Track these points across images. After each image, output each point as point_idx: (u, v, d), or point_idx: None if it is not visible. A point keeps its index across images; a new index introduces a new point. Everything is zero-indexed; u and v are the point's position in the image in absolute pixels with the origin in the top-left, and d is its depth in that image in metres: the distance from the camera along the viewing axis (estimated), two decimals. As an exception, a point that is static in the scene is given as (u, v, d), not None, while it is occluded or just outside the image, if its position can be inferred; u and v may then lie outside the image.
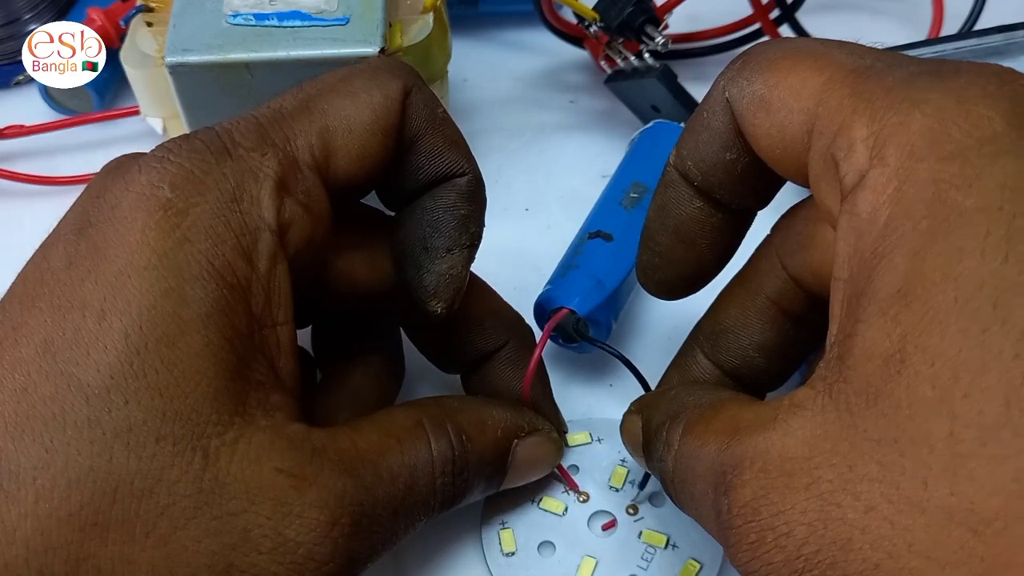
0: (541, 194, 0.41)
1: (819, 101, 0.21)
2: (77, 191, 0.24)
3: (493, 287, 0.31)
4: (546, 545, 0.30)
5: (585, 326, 0.32)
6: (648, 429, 0.26)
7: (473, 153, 0.28)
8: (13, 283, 0.23)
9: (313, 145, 0.24)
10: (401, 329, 0.31)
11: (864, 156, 0.20)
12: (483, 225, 0.28)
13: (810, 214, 0.25)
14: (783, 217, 0.27)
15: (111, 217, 0.22)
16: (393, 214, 0.28)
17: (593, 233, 0.35)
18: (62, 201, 0.24)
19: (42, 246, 0.23)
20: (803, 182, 0.23)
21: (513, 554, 0.30)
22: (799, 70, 0.22)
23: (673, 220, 0.26)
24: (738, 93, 0.23)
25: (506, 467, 0.28)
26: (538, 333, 0.32)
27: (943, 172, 0.19)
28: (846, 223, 0.20)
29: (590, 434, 0.32)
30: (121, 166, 0.24)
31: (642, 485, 0.31)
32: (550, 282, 0.34)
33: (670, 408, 0.26)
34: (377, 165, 0.25)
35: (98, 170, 0.24)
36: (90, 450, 0.20)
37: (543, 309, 0.33)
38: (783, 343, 0.27)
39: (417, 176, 0.26)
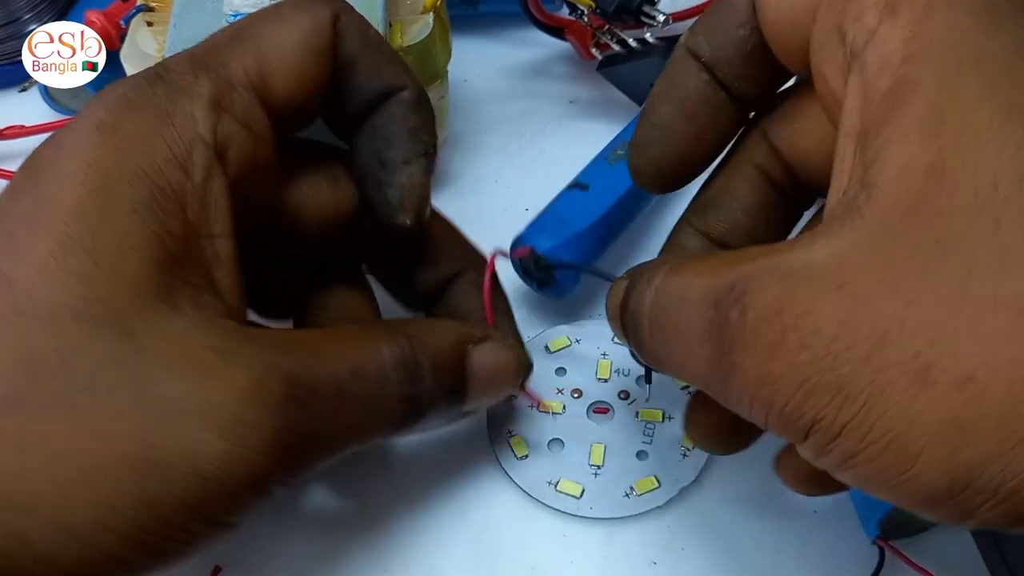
0: (541, 194, 0.41)
1: None
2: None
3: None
4: (555, 442, 0.33)
5: (544, 261, 0.33)
6: (632, 282, 0.26)
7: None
8: None
9: (247, 67, 0.25)
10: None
11: (874, 18, 0.20)
12: (436, 136, 0.28)
13: (797, 94, 0.26)
14: (769, 99, 0.27)
15: (53, 151, 0.23)
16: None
17: (571, 184, 0.36)
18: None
19: None
20: (798, 65, 0.24)
21: (527, 456, 0.33)
22: None
23: (678, 90, 0.26)
24: None
25: (466, 377, 0.28)
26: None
27: (962, 21, 0.19)
28: (856, 79, 0.20)
29: (568, 337, 0.35)
30: None
31: (648, 379, 0.31)
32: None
33: (657, 262, 0.25)
34: (315, 84, 0.26)
35: None
36: (11, 334, 0.21)
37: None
38: (767, 206, 0.27)
39: (360, 95, 0.27)
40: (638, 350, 0.25)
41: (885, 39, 0.20)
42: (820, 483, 0.25)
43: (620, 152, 0.37)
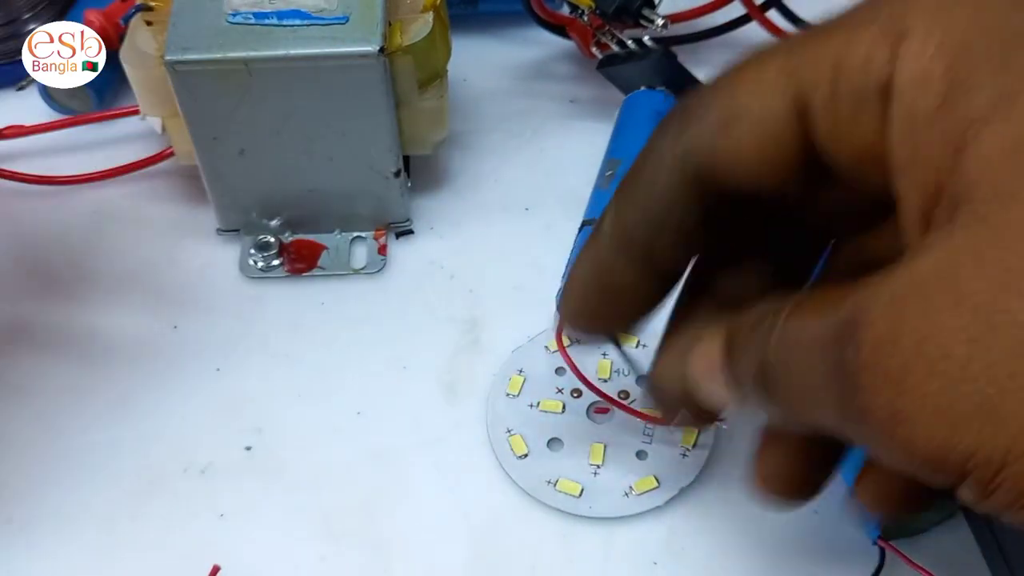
0: (541, 193, 0.41)
1: (788, 58, 0.21)
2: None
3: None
4: (555, 442, 0.33)
5: None
6: (740, 330, 0.22)
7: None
8: None
9: None
10: None
11: (883, 51, 0.19)
12: None
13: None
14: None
15: None
16: None
17: (583, 224, 0.36)
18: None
19: None
20: (780, 175, 0.22)
21: (526, 455, 0.33)
22: (752, 66, 0.21)
23: (599, 282, 0.25)
24: (694, 134, 0.22)
25: None
26: None
27: (984, 9, 0.18)
28: (898, 109, 0.19)
29: (568, 337, 0.34)
30: None
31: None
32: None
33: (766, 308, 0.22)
34: None
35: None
36: None
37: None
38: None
39: None
40: (766, 404, 0.22)
41: (911, 56, 0.19)
42: (911, 500, 0.24)
43: (609, 173, 0.37)
